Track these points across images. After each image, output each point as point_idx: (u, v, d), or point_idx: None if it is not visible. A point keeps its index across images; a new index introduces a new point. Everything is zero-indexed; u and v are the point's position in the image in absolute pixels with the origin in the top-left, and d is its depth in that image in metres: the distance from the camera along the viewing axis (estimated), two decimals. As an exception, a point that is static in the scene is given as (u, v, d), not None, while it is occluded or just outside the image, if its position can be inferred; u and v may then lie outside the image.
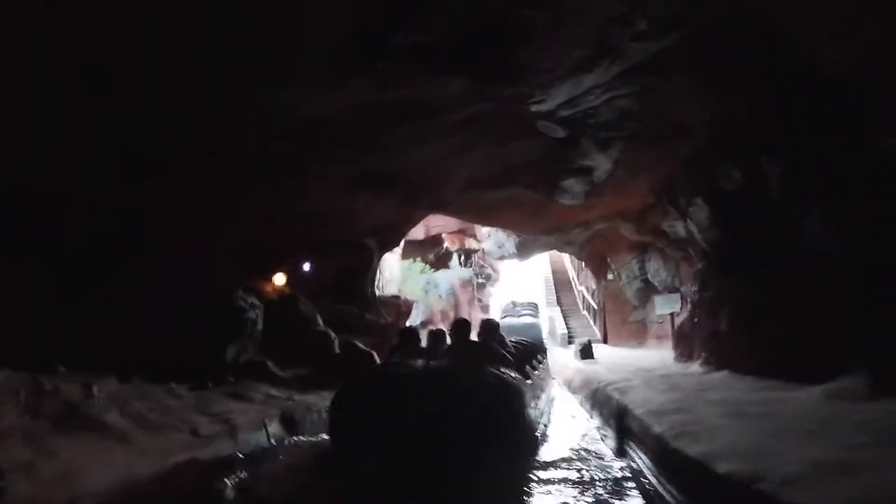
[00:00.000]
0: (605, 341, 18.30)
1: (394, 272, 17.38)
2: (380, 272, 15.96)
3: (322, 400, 7.09)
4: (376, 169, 8.26)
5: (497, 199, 10.64)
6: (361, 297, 13.03)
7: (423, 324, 19.85)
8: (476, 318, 23.99)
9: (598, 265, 19.29)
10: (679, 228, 9.91)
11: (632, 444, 4.76)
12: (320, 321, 10.32)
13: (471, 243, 32.11)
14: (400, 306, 14.53)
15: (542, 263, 32.58)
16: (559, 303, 25.29)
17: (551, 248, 18.23)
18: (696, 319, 8.59)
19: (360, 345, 9.55)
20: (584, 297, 22.95)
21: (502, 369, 5.03)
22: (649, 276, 14.72)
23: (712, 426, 3.98)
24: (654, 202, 10.29)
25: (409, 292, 19.02)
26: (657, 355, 11.75)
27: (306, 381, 7.94)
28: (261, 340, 8.02)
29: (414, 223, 13.36)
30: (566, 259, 30.25)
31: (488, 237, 20.22)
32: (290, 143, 6.64)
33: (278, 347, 8.48)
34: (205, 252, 8.40)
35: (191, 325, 6.78)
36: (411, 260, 19.63)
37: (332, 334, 9.79)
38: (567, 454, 5.28)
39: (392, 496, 3.78)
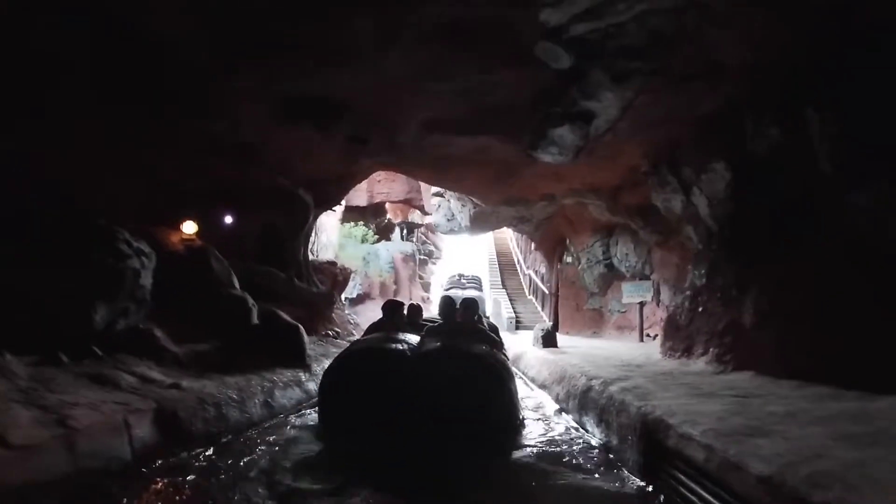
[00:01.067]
0: (555, 328, 17.04)
1: (331, 237, 15.39)
2: (316, 235, 14.00)
3: (226, 388, 5.22)
4: (317, 90, 6.39)
5: (462, 153, 8.91)
6: (292, 260, 11.09)
7: (361, 296, 18.02)
8: (416, 294, 22.40)
9: (551, 247, 17.95)
10: (675, 204, 8.49)
11: (691, 485, 3.17)
12: (237, 284, 8.35)
13: (415, 217, 30.50)
14: (336, 274, 12.66)
15: (485, 244, 31.37)
16: (504, 285, 24.01)
17: (507, 225, 16.68)
18: (700, 309, 7.19)
19: (286, 316, 7.67)
20: (531, 280, 21.68)
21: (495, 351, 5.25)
22: (615, 261, 13.42)
23: (849, 463, 2.46)
24: (649, 171, 8.83)
25: (347, 261, 17.14)
26: (628, 347, 10.44)
27: (208, 361, 6.01)
28: (150, 302, 6.02)
29: (358, 179, 11.44)
30: (511, 242, 29.14)
31: (437, 209, 18.49)
32: (196, 42, 4.75)
33: (175, 313, 6.49)
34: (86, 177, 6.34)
35: (41, 266, 4.77)
36: (352, 223, 17.65)
37: (251, 301, 7.86)
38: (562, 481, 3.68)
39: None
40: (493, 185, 10.87)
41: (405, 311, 6.88)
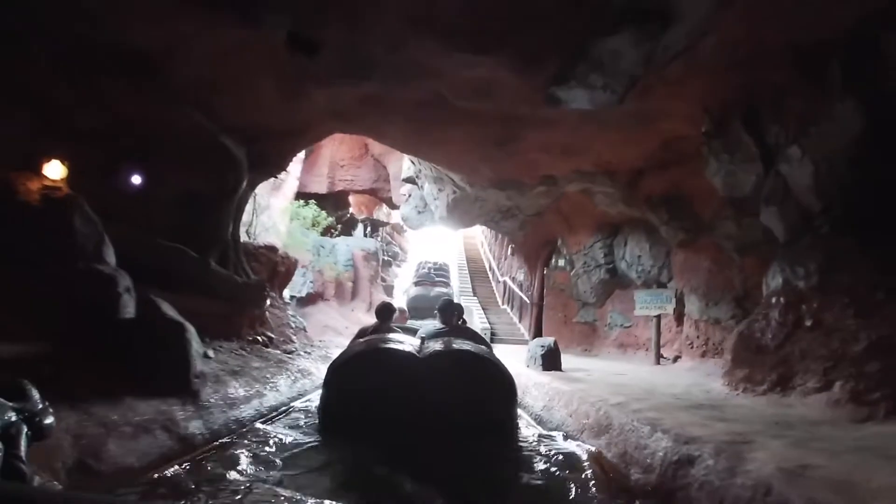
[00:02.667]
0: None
1: (278, 223, 12.64)
2: (255, 214, 11.27)
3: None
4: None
5: (455, 93, 6.38)
6: (215, 238, 8.35)
7: (311, 296, 15.28)
8: (377, 298, 19.71)
9: (535, 250, 15.53)
10: (745, 177, 6.15)
11: None
12: (111, 257, 5.60)
13: (381, 215, 27.91)
14: (276, 263, 9.95)
15: (455, 249, 28.97)
16: (475, 293, 21.57)
17: (488, 222, 14.16)
18: (808, 323, 4.78)
19: (167, 309, 4.98)
20: (506, 289, 19.26)
21: None
22: (622, 265, 11.04)
23: None
24: (709, 132, 6.46)
25: (295, 250, 14.39)
26: (649, 372, 8.02)
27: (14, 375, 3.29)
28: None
29: (308, 138, 8.73)
30: (482, 247, 26.79)
31: (406, 199, 15.91)
32: None
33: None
34: None
35: None
36: (302, 202, 14.84)
37: (125, 284, 5.10)
38: None
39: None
40: (487, 154, 8.33)
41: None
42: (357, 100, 7.00)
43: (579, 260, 12.36)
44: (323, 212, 14.17)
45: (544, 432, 5.16)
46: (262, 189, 12.41)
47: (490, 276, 23.82)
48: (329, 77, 5.78)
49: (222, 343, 7.08)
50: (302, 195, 19.50)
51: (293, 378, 6.67)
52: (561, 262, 13.25)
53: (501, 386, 4.61)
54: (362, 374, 4.50)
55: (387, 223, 28.97)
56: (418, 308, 18.36)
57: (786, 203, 5.60)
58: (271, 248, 9.82)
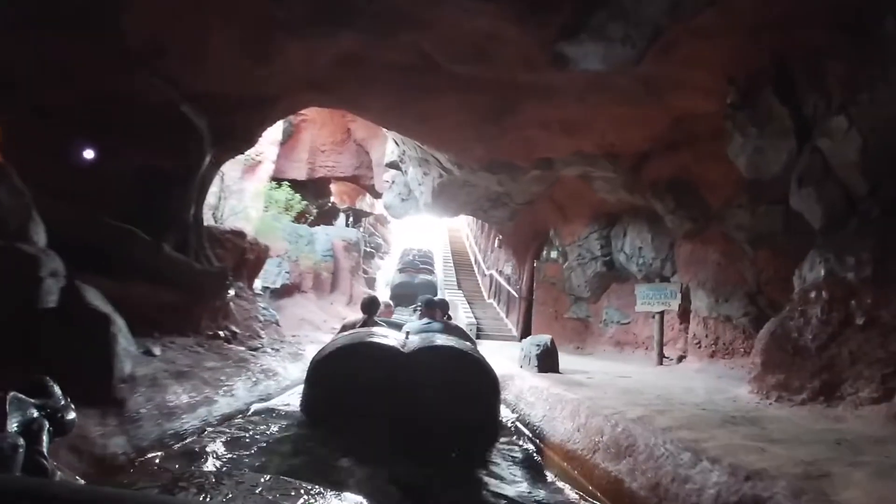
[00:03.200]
0: (521, 339, 13.86)
1: (248, 205, 11.73)
2: (223, 197, 10.36)
3: None
4: None
5: (448, 53, 5.55)
6: (175, 220, 7.48)
7: (287, 288, 14.38)
8: (358, 291, 18.87)
9: (525, 241, 14.80)
10: (775, 155, 5.39)
11: None
12: (40, 235, 4.69)
13: (364, 205, 27.04)
14: (244, 250, 9.05)
15: (439, 241, 28.19)
16: (460, 286, 20.80)
17: (475, 211, 13.35)
18: (861, 321, 4.03)
19: (97, 301, 4.10)
20: (492, 282, 18.52)
21: None
22: (620, 258, 10.28)
23: None
24: (735, 103, 5.69)
25: (270, 238, 13.49)
26: (656, 374, 7.28)
27: None
28: None
29: (279, 109, 7.77)
30: (467, 240, 26.04)
31: (390, 186, 15.04)
32: None
33: None
34: None
35: None
36: (274, 185, 13.83)
37: (53, 266, 4.20)
38: None
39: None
40: (479, 130, 7.49)
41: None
42: (334, 61, 6.13)
43: (573, 252, 11.60)
44: (297, 195, 13.23)
45: (535, 441, 4.38)
46: (233, 171, 11.50)
47: (475, 269, 23.08)
48: (300, 25, 4.91)
49: (174, 339, 6.20)
50: (280, 181, 18.57)
51: (254, 379, 5.81)
52: (553, 254, 12.49)
53: (485, 383, 4.62)
54: (345, 367, 4.46)
55: (370, 213, 28.09)
56: (402, 295, 18.42)
57: (825, 184, 4.84)
58: (238, 234, 8.92)
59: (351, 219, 25.49)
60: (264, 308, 11.32)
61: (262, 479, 2.83)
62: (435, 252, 25.01)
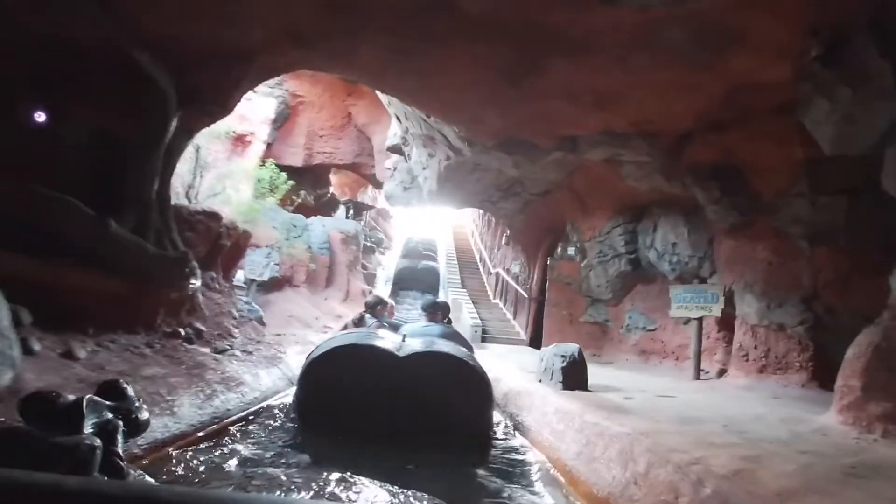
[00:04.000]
0: (532, 344, 12.70)
1: (237, 188, 10.54)
2: (199, 173, 9.17)
3: None
4: None
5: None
6: (134, 196, 6.29)
7: (277, 281, 13.20)
8: (355, 287, 17.67)
9: (537, 237, 13.61)
10: (866, 122, 4.21)
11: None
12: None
13: (366, 199, 25.89)
14: (219, 234, 7.85)
15: (443, 238, 27.00)
16: (464, 285, 19.61)
17: (483, 202, 12.14)
18: None
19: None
20: (499, 281, 17.32)
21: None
22: (650, 255, 9.05)
23: None
24: (819, 57, 4.49)
25: (256, 224, 12.30)
26: (702, 390, 6.04)
27: None
28: None
29: (260, 67, 6.52)
30: (473, 237, 24.88)
31: (392, 174, 13.86)
32: None
33: None
34: None
35: None
36: (264, 163, 12.48)
37: None
38: None
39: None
40: (496, 93, 6.24)
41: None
42: (321, 2, 4.94)
43: (593, 248, 10.39)
44: (283, 174, 12.01)
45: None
46: (215, 147, 10.32)
47: (481, 267, 21.91)
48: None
49: (117, 337, 5.03)
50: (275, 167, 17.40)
51: (209, 392, 4.60)
52: (571, 251, 11.25)
53: (479, 391, 4.57)
54: (339, 368, 4.43)
55: (371, 207, 26.94)
56: (405, 279, 19.67)
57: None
58: (212, 215, 7.71)
59: (351, 211, 24.31)
60: (246, 302, 10.15)
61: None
62: (438, 242, 25.05)
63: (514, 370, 7.03)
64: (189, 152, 8.84)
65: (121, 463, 1.40)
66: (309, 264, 15.18)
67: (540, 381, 5.74)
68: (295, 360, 7.13)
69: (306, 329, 11.82)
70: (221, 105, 6.78)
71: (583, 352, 5.83)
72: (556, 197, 10.87)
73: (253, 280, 11.91)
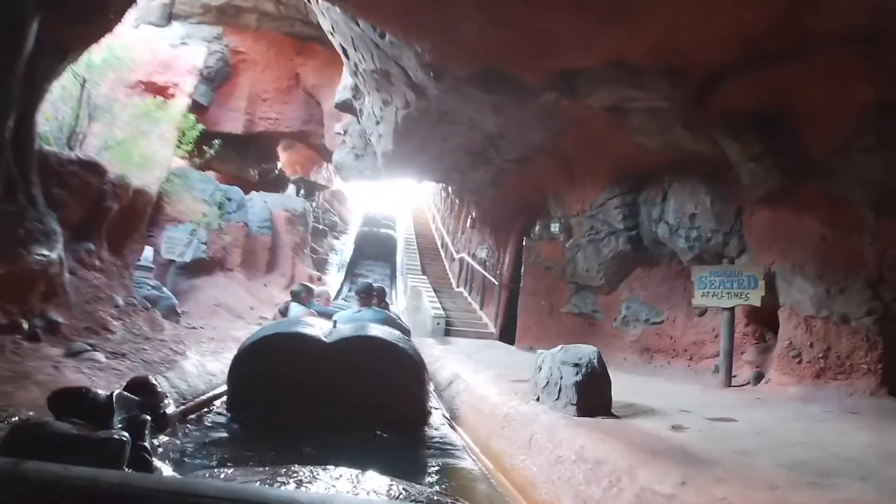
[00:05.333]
0: (503, 338, 11.00)
1: (154, 150, 8.40)
2: (87, 113, 7.06)
3: None
4: None
5: None
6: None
7: (203, 264, 11.12)
8: (302, 273, 15.61)
9: (509, 215, 11.88)
10: None
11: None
12: None
13: (319, 178, 23.81)
14: (101, 194, 5.81)
15: (401, 219, 25.15)
16: (424, 271, 17.78)
17: (451, 169, 10.30)
18: None
19: None
20: (464, 267, 15.56)
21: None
22: (660, 230, 7.33)
23: None
24: None
25: (185, 201, 10.24)
26: (756, 406, 4.33)
27: None
28: None
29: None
30: (434, 222, 23.11)
31: (342, 141, 11.89)
32: None
33: None
34: None
35: None
36: (158, 99, 9.88)
37: None
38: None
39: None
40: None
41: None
42: None
43: (582, 225, 8.67)
44: (191, 116, 9.82)
45: None
46: (113, 90, 8.18)
47: (443, 253, 20.14)
48: None
49: None
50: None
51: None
52: (554, 227, 9.49)
53: (411, 372, 4.49)
54: (267, 359, 4.30)
55: (325, 187, 24.84)
56: (365, 245, 20.96)
57: None
58: (90, 167, 5.62)
59: (302, 191, 22.16)
60: (154, 287, 8.11)
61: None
62: (396, 217, 25.33)
63: (490, 379, 5.24)
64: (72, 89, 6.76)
65: (148, 457, 1.39)
66: (261, 249, 13.17)
67: (537, 399, 3.94)
68: (196, 366, 5.21)
69: (235, 320, 9.82)
70: (98, 13, 4.75)
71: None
72: (537, 164, 9.09)
73: (171, 261, 9.81)
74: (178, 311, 8.67)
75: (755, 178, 5.78)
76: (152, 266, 8.48)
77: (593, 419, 3.40)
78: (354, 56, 7.25)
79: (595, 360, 3.64)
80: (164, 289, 8.36)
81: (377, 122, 8.32)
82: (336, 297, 14.44)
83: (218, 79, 14.25)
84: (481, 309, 13.22)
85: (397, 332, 4.84)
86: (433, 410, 5.03)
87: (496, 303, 11.98)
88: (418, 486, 2.46)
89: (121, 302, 5.82)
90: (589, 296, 9.14)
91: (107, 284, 5.89)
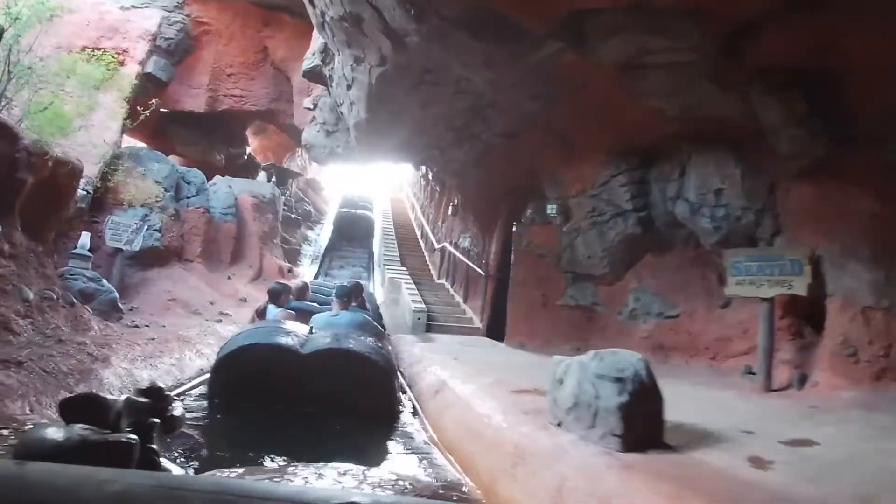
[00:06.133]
0: (490, 334, 10.07)
1: (102, 123, 7.22)
2: (7, 68, 5.90)
3: None
4: None
5: None
6: None
7: (156, 252, 10.00)
8: (270, 266, 14.46)
9: (495, 199, 10.92)
10: None
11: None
12: None
13: (293, 165, 22.59)
14: (15, 162, 4.64)
15: (378, 208, 24.08)
16: (403, 262, 16.77)
17: (431, 145, 9.28)
18: None
19: None
20: (446, 257, 14.60)
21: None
22: (676, 208, 6.39)
23: None
24: None
25: (122, 175, 9.08)
26: (808, 417, 3.45)
27: None
28: None
29: None
30: (413, 212, 22.10)
31: (312, 118, 10.79)
32: None
33: None
34: None
35: None
36: (90, 52, 8.33)
37: None
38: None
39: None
40: None
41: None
42: None
43: (582, 206, 7.73)
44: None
45: None
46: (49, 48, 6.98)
47: (423, 244, 19.14)
48: None
49: None
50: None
51: None
52: (552, 209, 8.51)
53: (381, 380, 4.79)
54: (244, 368, 4.58)
55: (299, 174, 23.62)
56: (343, 226, 20.86)
57: None
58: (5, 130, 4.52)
59: (274, 178, 20.90)
60: (91, 279, 7.00)
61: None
62: (373, 199, 25.14)
63: (487, 389, 4.27)
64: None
65: (157, 459, 1.43)
66: (225, 237, 12.03)
67: (559, 423, 2.96)
68: (119, 377, 4.17)
69: (191, 317, 8.71)
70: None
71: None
72: (528, 140, 8.11)
73: (119, 250, 8.64)
74: (122, 306, 7.56)
75: (797, 146, 4.87)
76: (90, 255, 7.34)
77: (645, 456, 2.44)
78: (320, 2, 6.14)
79: (643, 373, 2.68)
80: (105, 281, 7.23)
81: (348, 87, 7.25)
82: (316, 277, 14.87)
83: (179, 52, 12.99)
84: (465, 302, 12.26)
85: (370, 341, 5.07)
86: (404, 410, 5.15)
87: (482, 295, 11.03)
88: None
89: (31, 296, 4.72)
90: (588, 286, 8.22)
91: (16, 274, 4.79)
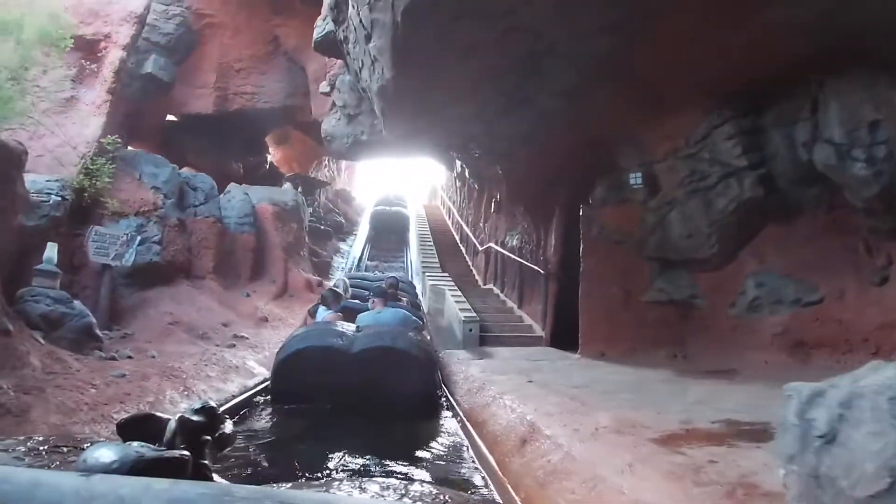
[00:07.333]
0: (554, 343, 8.33)
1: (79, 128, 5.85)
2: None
3: None
4: None
5: None
6: None
7: (156, 268, 8.59)
8: (297, 281, 13.00)
9: (551, 182, 9.18)
10: None
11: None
12: None
13: (320, 175, 21.26)
14: None
15: (412, 213, 22.81)
16: (444, 269, 15.21)
17: (474, 118, 7.64)
18: None
19: None
20: (491, 259, 12.95)
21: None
22: (817, 154, 4.62)
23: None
24: None
25: (110, 180, 7.73)
26: None
27: None
28: None
29: None
30: (450, 216, 20.68)
31: (332, 105, 9.31)
32: None
33: None
34: None
35: None
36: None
37: None
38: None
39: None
40: None
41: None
42: None
43: (676, 171, 6.00)
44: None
45: None
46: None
47: (463, 248, 17.66)
48: None
49: None
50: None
51: None
52: (635, 181, 6.75)
53: (421, 369, 5.37)
54: (300, 369, 5.22)
55: (327, 183, 22.32)
56: (380, 221, 21.60)
57: None
58: None
59: (300, 189, 19.61)
60: (57, 300, 5.59)
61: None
62: (406, 198, 26.18)
63: (621, 442, 2.58)
64: None
65: (208, 473, 1.43)
66: (242, 250, 10.68)
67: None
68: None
69: (194, 343, 7.23)
70: None
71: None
72: (595, 97, 6.40)
73: (107, 266, 7.25)
74: (103, 333, 6.12)
75: None
76: (57, 271, 5.92)
77: None
78: None
79: None
80: (77, 303, 5.80)
81: (367, 37, 5.70)
82: (358, 265, 16.37)
83: (181, 49, 11.74)
84: (521, 307, 10.60)
85: (410, 335, 5.69)
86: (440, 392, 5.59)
87: (542, 298, 9.30)
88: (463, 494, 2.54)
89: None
90: (682, 274, 6.49)
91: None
